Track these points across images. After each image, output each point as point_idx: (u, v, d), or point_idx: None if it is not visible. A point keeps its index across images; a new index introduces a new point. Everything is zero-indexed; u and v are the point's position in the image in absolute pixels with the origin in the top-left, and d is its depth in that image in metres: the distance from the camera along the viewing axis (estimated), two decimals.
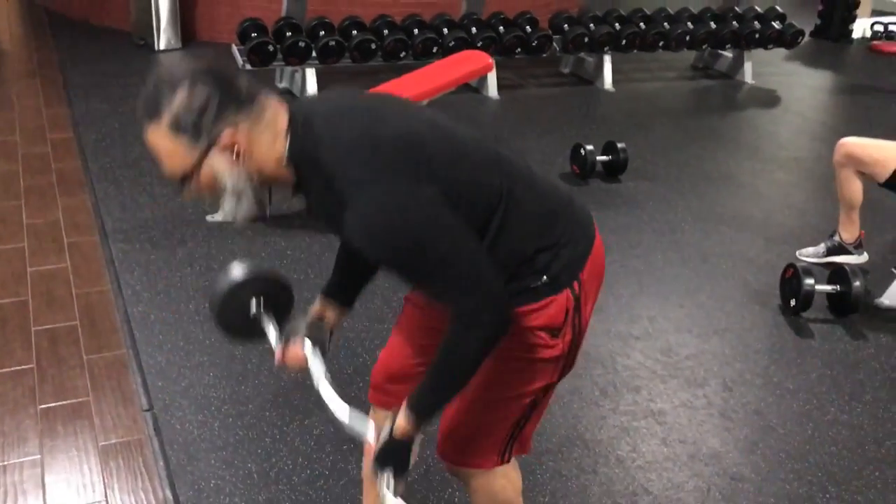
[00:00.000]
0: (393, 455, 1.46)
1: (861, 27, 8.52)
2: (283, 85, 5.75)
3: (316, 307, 1.72)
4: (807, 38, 8.17)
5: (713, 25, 6.46)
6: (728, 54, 6.84)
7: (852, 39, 8.43)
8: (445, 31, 5.69)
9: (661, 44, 6.24)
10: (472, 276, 1.35)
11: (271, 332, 1.67)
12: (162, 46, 6.46)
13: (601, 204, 4.22)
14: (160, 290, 3.20)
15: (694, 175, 4.72)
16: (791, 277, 3.30)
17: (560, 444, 2.50)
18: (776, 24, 6.64)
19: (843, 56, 8.09)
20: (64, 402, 2.56)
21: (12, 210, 3.79)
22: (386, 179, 1.30)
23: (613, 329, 3.13)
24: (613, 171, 4.55)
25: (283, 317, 1.70)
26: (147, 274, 3.30)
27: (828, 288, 3.28)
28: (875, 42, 8.33)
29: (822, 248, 3.72)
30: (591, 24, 6.16)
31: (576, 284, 1.51)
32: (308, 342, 1.66)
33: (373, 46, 5.42)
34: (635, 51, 6.22)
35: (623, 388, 2.79)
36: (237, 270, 1.64)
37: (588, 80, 6.43)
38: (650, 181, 4.57)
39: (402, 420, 1.44)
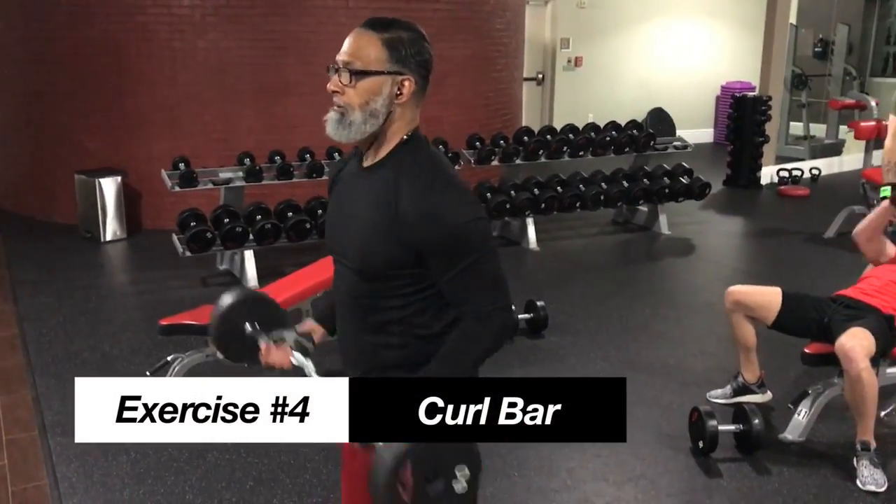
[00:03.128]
0: None
1: (768, 174, 9.22)
2: (223, 267, 6.03)
3: (306, 325, 1.99)
4: (720, 187, 8.86)
5: (625, 184, 6.99)
6: (644, 209, 7.35)
7: (761, 185, 9.10)
8: None
9: (577, 204, 6.72)
10: (502, 283, 1.70)
11: (262, 339, 1.90)
12: (108, 238, 6.76)
13: (525, 360, 4.47)
14: (96, 480, 3.30)
15: (612, 326, 5.01)
16: (696, 420, 3.53)
17: None
18: (684, 179, 7.19)
19: (754, 202, 8.70)
20: None
21: None
22: (472, 196, 1.72)
23: (534, 484, 3.29)
24: (536, 327, 4.83)
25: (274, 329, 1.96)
26: (84, 465, 3.40)
27: (732, 427, 3.51)
28: (782, 186, 9.00)
29: (728, 389, 3.97)
30: (512, 192, 6.63)
31: None
32: (298, 350, 1.89)
33: (307, 226, 5.77)
34: (555, 212, 6.68)
35: None
36: (227, 297, 1.92)
37: (514, 242, 6.84)
38: (572, 335, 4.84)
39: None
